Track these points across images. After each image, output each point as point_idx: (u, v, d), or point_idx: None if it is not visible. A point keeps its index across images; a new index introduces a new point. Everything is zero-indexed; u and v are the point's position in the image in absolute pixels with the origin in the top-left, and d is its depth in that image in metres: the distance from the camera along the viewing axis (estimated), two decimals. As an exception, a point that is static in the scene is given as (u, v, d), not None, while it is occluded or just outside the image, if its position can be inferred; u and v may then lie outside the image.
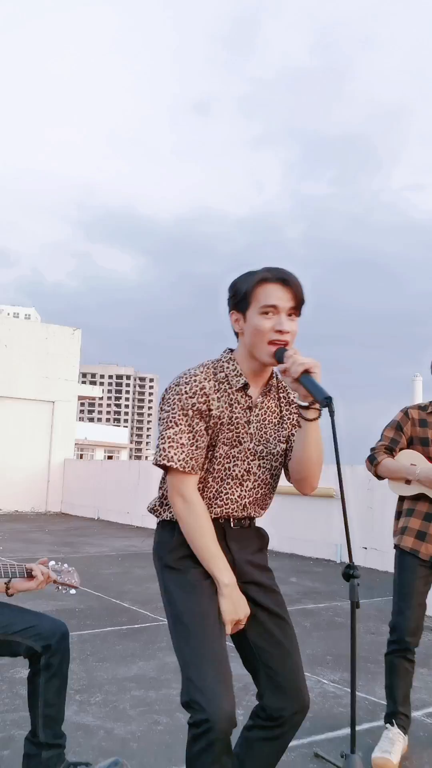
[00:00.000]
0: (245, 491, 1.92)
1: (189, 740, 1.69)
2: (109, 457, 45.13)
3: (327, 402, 1.72)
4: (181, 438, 1.83)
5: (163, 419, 1.87)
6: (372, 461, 2.95)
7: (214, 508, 1.90)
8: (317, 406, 1.79)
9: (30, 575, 2.32)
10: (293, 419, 1.99)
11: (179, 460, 1.82)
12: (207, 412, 1.85)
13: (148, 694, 3.51)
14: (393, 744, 2.74)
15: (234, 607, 1.81)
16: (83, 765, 2.24)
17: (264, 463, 1.95)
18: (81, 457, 35.95)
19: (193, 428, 1.84)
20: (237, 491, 1.92)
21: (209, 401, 1.85)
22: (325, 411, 1.75)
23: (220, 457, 1.88)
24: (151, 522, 12.54)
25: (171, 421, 1.84)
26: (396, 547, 2.97)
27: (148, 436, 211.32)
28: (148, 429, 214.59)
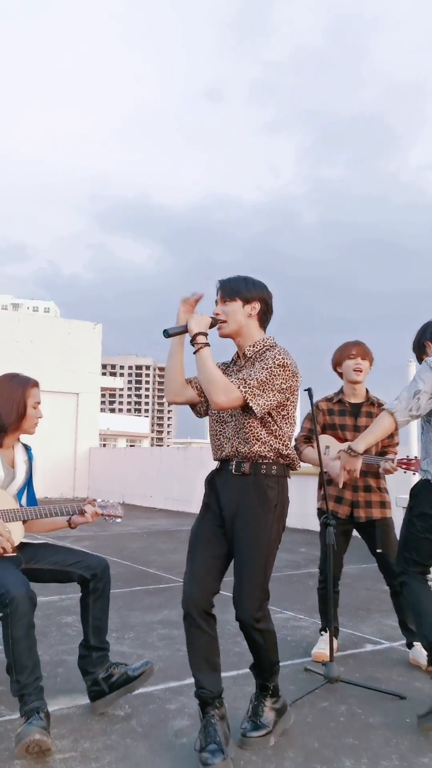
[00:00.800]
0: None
1: None
2: (131, 446, 46.10)
3: (165, 333, 2.67)
4: None
5: None
6: (296, 451, 3.66)
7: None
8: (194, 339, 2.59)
9: (82, 512, 3.06)
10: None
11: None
12: None
13: (172, 632, 4.25)
14: (326, 644, 3.66)
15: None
16: (122, 665, 2.97)
17: (238, 411, 2.68)
18: (104, 447, 36.89)
19: None
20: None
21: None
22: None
23: None
24: (173, 505, 13.36)
25: None
26: (318, 509, 3.76)
27: (168, 425, 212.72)
28: (168, 419, 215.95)
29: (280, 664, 2.74)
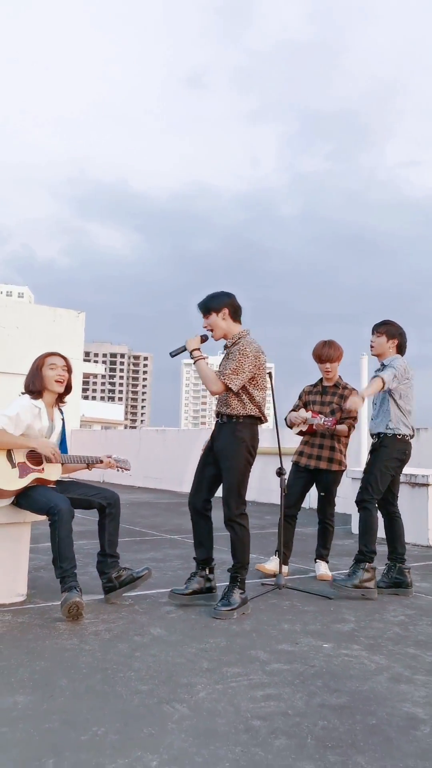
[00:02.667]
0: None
1: None
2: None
3: (171, 354, 4.05)
4: None
5: None
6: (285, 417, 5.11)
7: None
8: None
9: (100, 461, 4.18)
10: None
11: None
12: None
13: (159, 564, 5.37)
14: (271, 561, 5.03)
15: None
16: (129, 569, 4.10)
17: None
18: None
19: None
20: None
21: None
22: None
23: None
24: (151, 483, 14.45)
25: None
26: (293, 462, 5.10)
27: (142, 413, 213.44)
28: (142, 407, 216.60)
29: (246, 581, 3.90)
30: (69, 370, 4.11)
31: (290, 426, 5.11)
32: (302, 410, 5.10)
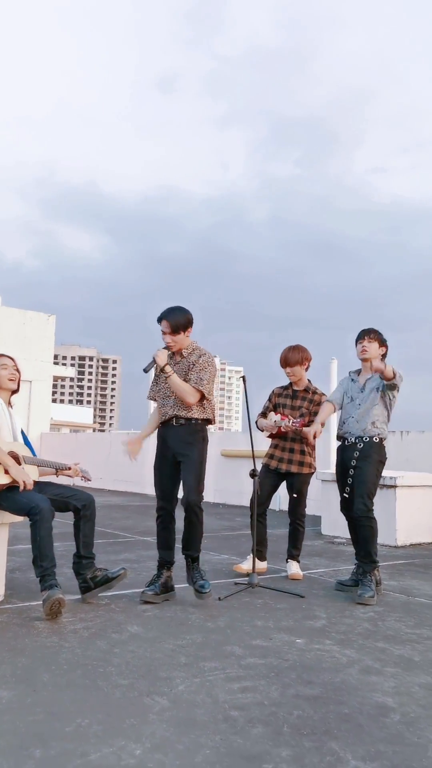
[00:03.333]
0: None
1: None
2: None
3: (144, 370, 4.20)
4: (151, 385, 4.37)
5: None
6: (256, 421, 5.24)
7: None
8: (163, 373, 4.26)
9: (68, 468, 4.26)
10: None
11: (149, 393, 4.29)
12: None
13: (133, 565, 5.43)
14: (247, 561, 5.10)
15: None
16: (104, 569, 4.16)
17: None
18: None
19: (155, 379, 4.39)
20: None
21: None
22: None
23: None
24: (121, 485, 14.47)
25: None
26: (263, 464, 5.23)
27: (111, 416, 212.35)
28: (111, 410, 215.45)
29: (217, 581, 4.01)
30: (18, 370, 4.31)
31: (261, 429, 5.24)
32: (272, 414, 5.22)
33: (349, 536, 4.91)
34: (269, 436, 5.22)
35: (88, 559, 4.13)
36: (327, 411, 4.85)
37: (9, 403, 4.30)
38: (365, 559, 4.48)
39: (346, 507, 4.67)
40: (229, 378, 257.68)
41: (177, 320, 4.21)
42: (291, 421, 4.97)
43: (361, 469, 4.54)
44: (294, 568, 5.14)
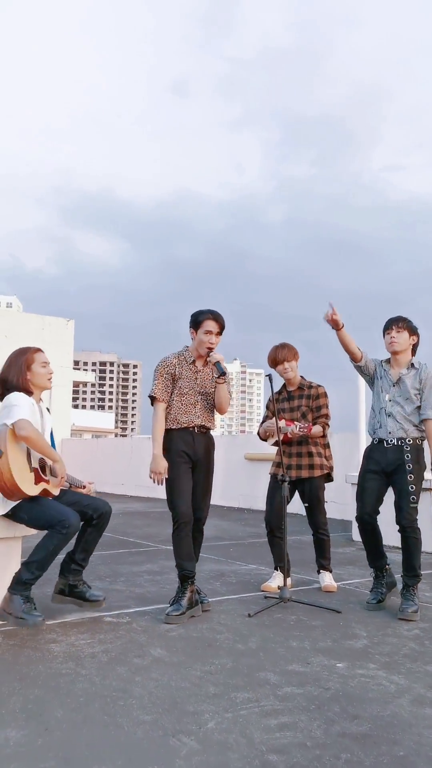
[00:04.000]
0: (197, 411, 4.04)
1: (173, 528, 3.93)
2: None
3: (221, 375, 3.98)
4: (159, 386, 3.95)
5: (154, 379, 4.01)
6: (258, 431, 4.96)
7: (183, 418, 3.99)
8: (221, 379, 4.00)
9: (83, 486, 4.01)
10: (214, 380, 4.10)
11: (160, 394, 3.94)
12: (172, 373, 3.99)
13: (155, 578, 5.14)
14: (274, 579, 4.76)
15: (155, 465, 3.96)
16: (87, 586, 3.89)
17: (203, 398, 4.05)
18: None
19: (164, 381, 4.01)
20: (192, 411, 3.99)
21: (173, 367, 4.04)
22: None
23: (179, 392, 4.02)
24: (143, 491, 14.21)
25: (155, 380, 3.98)
26: (271, 475, 4.89)
27: (132, 422, 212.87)
28: (132, 415, 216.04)
29: (246, 595, 3.72)
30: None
31: (264, 438, 4.88)
32: (273, 420, 4.81)
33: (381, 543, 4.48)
34: (275, 444, 4.75)
35: (79, 567, 3.88)
36: (354, 344, 4.33)
37: (40, 400, 4.00)
38: (409, 573, 4.11)
39: (369, 513, 4.25)
40: (250, 381, 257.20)
41: (223, 321, 4.07)
42: (298, 426, 4.59)
43: (405, 474, 4.13)
44: (327, 579, 4.81)
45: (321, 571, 4.88)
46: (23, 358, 3.85)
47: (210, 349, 4.01)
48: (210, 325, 4.00)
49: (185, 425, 4.01)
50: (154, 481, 4.01)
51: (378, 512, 4.27)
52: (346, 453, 8.83)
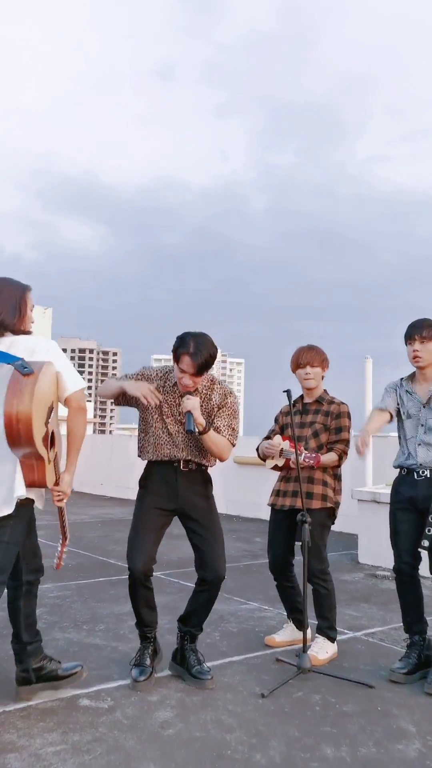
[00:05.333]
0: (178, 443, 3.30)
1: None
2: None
3: (190, 432, 3.14)
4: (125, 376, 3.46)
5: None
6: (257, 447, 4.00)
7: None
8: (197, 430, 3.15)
9: (63, 539, 3.24)
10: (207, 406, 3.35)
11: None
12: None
13: (142, 623, 4.31)
14: (285, 631, 4.00)
15: (134, 387, 3.20)
16: (56, 661, 3.07)
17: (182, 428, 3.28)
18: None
19: (134, 378, 3.37)
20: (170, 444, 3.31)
21: (152, 380, 3.34)
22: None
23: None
24: (124, 493, 13.37)
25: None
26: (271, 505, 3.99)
27: (112, 410, 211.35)
28: (111, 403, 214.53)
29: (252, 655, 3.02)
30: None
31: (263, 458, 3.94)
32: (277, 437, 3.88)
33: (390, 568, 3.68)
34: (274, 468, 3.90)
35: (34, 643, 3.02)
36: (380, 420, 3.66)
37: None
38: None
39: (407, 562, 3.49)
40: (231, 370, 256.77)
41: (204, 360, 3.15)
42: (303, 455, 3.65)
43: None
44: (315, 648, 3.68)
45: (317, 635, 3.78)
46: (23, 294, 2.91)
47: (185, 388, 3.25)
48: (185, 364, 3.16)
49: (164, 458, 3.31)
50: (147, 403, 3.20)
51: (419, 558, 3.50)
52: (351, 453, 8.07)
